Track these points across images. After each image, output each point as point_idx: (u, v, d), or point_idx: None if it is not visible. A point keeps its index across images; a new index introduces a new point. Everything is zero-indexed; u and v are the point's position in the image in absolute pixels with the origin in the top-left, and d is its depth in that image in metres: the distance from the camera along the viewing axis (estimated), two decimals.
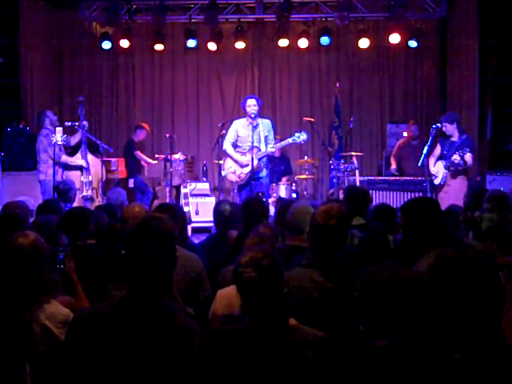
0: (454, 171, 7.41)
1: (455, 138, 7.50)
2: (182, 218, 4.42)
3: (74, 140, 7.93)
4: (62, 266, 3.23)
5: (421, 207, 3.28)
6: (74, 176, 7.57)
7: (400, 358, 1.82)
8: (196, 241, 5.94)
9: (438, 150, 7.61)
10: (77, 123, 7.76)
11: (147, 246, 2.17)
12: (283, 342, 2.27)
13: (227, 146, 7.81)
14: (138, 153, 9.56)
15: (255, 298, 2.33)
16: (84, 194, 7.58)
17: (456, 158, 7.19)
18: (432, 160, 7.58)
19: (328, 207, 3.04)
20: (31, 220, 4.89)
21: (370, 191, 8.78)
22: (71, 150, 8.00)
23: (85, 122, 7.84)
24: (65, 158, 7.69)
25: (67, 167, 7.68)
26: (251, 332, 1.93)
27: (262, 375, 1.90)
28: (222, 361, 1.90)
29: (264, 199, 6.92)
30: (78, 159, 7.82)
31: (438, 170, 7.54)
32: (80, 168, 7.76)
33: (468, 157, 7.24)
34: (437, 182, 7.57)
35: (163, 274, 2.21)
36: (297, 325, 2.39)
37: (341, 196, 7.90)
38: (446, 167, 7.41)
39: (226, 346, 1.89)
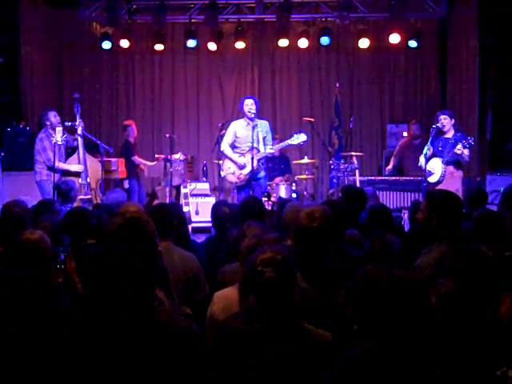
0: (454, 166, 7.24)
1: (449, 135, 7.35)
2: (182, 218, 4.43)
3: (74, 143, 7.85)
4: (62, 267, 3.23)
5: (447, 196, 3.37)
6: (72, 178, 7.48)
7: (381, 363, 1.80)
8: (197, 241, 5.94)
9: (429, 151, 7.29)
10: (76, 123, 7.72)
11: (126, 247, 2.16)
12: (299, 342, 2.28)
13: (225, 147, 7.79)
14: (136, 158, 9.48)
15: (272, 298, 2.35)
16: (82, 196, 7.50)
17: (460, 148, 6.97)
18: (422, 159, 7.30)
19: (312, 209, 3.05)
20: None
21: None
22: (71, 151, 7.97)
23: (81, 123, 7.71)
24: (60, 165, 7.53)
25: (64, 172, 7.58)
26: (268, 331, 1.93)
27: (278, 374, 1.90)
28: (237, 358, 1.89)
29: (267, 199, 6.94)
30: (72, 165, 7.65)
31: (434, 166, 7.27)
32: (77, 172, 7.65)
33: (467, 151, 7.12)
34: (434, 179, 7.23)
35: (145, 273, 2.20)
36: (308, 326, 2.40)
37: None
38: (445, 162, 7.21)
39: (243, 344, 1.89)
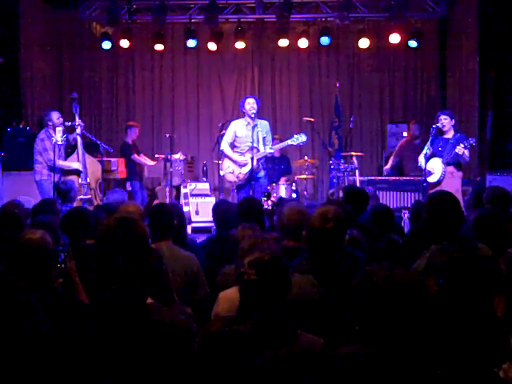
0: (455, 167, 7.23)
1: (449, 136, 7.34)
2: (181, 218, 4.42)
3: (73, 137, 7.83)
4: (62, 266, 3.23)
5: (445, 198, 3.36)
6: (72, 178, 7.47)
7: (364, 366, 1.79)
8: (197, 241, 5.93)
9: (429, 150, 7.28)
10: (76, 123, 7.71)
11: (117, 247, 2.18)
12: (286, 347, 2.25)
13: (225, 146, 7.80)
14: (135, 156, 9.52)
15: (253, 300, 2.30)
16: (82, 196, 7.49)
17: (461, 148, 6.97)
18: (422, 159, 7.28)
19: (324, 210, 3.02)
20: (29, 220, 4.89)
21: None
22: (71, 150, 7.96)
23: (80, 122, 7.69)
24: (59, 163, 7.54)
25: (64, 172, 7.59)
26: (253, 335, 1.91)
27: (263, 378, 1.89)
28: (222, 362, 1.89)
29: (266, 199, 6.94)
30: (72, 162, 7.68)
31: (434, 166, 7.25)
32: (77, 172, 7.65)
33: (467, 152, 7.12)
34: (433, 179, 7.20)
35: (136, 272, 2.21)
36: (299, 332, 2.37)
37: (341, 196, 7.88)
38: (445, 163, 7.20)
39: (227, 348, 1.88)
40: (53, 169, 7.21)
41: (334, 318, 2.72)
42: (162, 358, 2.10)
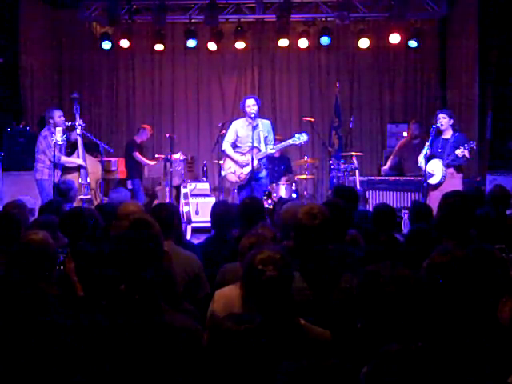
0: (455, 169, 7.25)
1: (448, 136, 7.31)
2: (180, 218, 4.42)
3: (73, 136, 7.85)
4: (61, 268, 3.23)
5: (462, 198, 3.39)
6: (72, 178, 7.49)
7: (414, 363, 1.79)
8: (196, 241, 5.93)
9: (429, 151, 7.27)
10: (76, 123, 7.71)
11: (135, 247, 2.19)
12: (297, 340, 2.29)
13: (226, 146, 7.80)
14: (137, 154, 9.55)
15: (273, 296, 2.36)
16: (82, 196, 7.50)
17: (462, 151, 6.97)
18: (422, 159, 7.29)
19: (310, 208, 3.06)
20: (31, 219, 4.89)
21: (370, 191, 8.80)
22: (71, 150, 7.97)
23: (81, 122, 7.70)
24: (63, 159, 7.58)
25: (66, 169, 7.60)
26: (263, 331, 1.93)
27: (274, 373, 1.89)
28: (233, 359, 1.90)
29: (266, 198, 6.94)
30: (76, 158, 7.72)
31: (434, 168, 7.26)
32: (78, 169, 7.68)
33: (467, 153, 7.13)
34: (434, 181, 7.22)
35: (153, 272, 2.22)
36: (306, 324, 2.41)
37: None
38: (446, 165, 7.24)
39: (238, 345, 1.90)
40: (55, 166, 7.23)
41: (321, 315, 2.74)
42: (171, 360, 2.11)
